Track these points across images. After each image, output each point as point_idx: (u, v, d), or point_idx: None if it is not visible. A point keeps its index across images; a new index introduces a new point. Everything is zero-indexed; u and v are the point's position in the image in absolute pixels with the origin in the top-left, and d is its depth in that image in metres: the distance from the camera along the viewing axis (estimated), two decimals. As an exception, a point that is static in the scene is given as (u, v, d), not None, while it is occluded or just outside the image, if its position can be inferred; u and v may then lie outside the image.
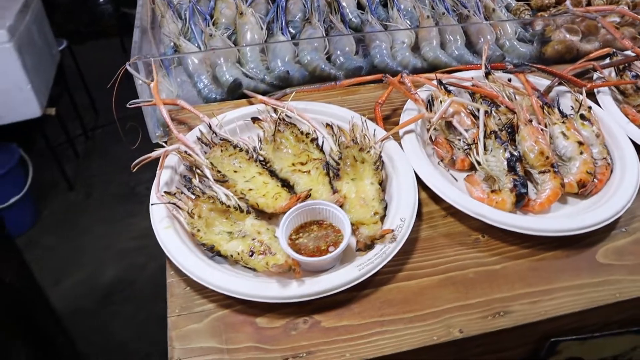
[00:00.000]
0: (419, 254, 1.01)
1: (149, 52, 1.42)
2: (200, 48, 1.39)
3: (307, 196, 1.02)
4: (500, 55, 1.45)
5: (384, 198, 1.05)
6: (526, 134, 1.14)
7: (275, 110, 1.20)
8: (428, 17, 1.49)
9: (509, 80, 1.31)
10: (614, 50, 1.41)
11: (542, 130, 1.17)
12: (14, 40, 2.50)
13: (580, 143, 1.15)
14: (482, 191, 1.08)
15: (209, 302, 0.93)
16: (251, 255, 0.95)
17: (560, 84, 1.32)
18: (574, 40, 1.52)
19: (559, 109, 1.21)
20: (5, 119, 2.64)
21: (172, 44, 1.41)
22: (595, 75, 1.38)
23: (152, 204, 1.02)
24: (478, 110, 1.16)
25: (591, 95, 1.32)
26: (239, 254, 0.96)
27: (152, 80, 1.18)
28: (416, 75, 1.28)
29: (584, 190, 1.10)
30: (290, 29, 1.47)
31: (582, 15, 1.44)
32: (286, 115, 1.17)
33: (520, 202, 1.05)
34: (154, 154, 1.08)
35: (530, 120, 1.16)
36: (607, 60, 1.42)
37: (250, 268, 0.94)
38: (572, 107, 1.26)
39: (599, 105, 1.30)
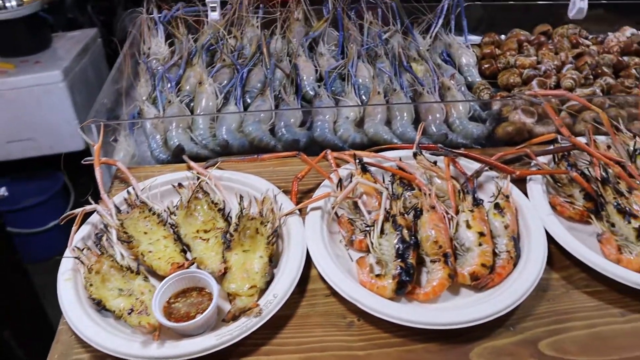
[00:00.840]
0: (289, 331, 1.04)
1: (119, 111, 1.58)
2: (159, 113, 1.52)
3: (191, 264, 1.09)
4: (442, 134, 1.46)
5: (269, 272, 1.09)
6: (426, 221, 1.15)
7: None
8: (379, 93, 1.53)
9: (435, 162, 1.32)
10: (558, 136, 1.38)
11: (449, 217, 1.18)
12: (67, 80, 2.79)
13: (481, 234, 1.14)
14: (368, 275, 1.10)
15: (85, 353, 1.01)
16: (129, 313, 1.03)
17: (492, 168, 1.32)
18: (527, 122, 1.50)
19: (473, 196, 1.21)
20: (54, 150, 2.85)
21: (138, 107, 1.55)
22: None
23: (63, 257, 1.13)
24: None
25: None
26: (120, 310, 1.03)
27: (96, 143, 1.32)
28: (340, 153, 1.33)
29: (477, 282, 1.09)
30: (248, 99, 1.58)
31: (528, 99, 1.43)
32: (206, 183, 1.26)
33: (402, 290, 1.06)
34: (75, 211, 1.20)
35: (434, 207, 1.17)
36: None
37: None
38: (493, 194, 1.25)
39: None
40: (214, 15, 1.80)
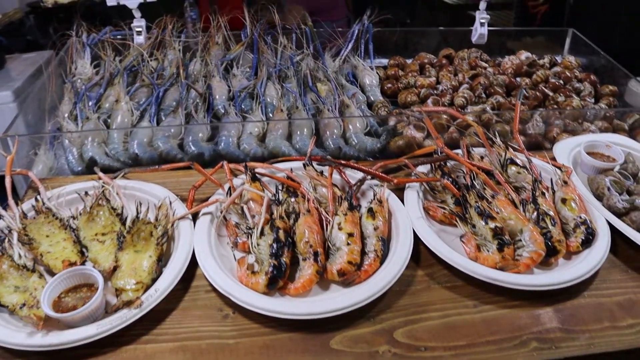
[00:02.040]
0: (169, 323, 1.15)
1: (42, 127, 1.69)
2: (78, 128, 1.63)
3: (83, 263, 1.20)
4: (337, 148, 1.60)
5: (157, 270, 1.20)
6: (301, 223, 1.27)
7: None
8: (282, 110, 1.67)
9: (321, 172, 1.45)
10: (437, 149, 1.52)
11: (327, 222, 1.30)
12: (18, 101, 2.80)
13: (350, 235, 1.26)
14: (245, 272, 1.21)
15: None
16: (21, 307, 1.13)
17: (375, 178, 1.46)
18: (417, 137, 1.65)
19: (349, 202, 1.34)
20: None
21: (58, 123, 1.66)
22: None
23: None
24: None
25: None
26: (13, 305, 1.13)
27: (9, 154, 1.43)
28: (237, 164, 1.45)
29: (344, 278, 1.21)
30: (163, 116, 1.70)
31: (410, 114, 1.58)
32: (109, 191, 1.37)
33: (273, 285, 1.18)
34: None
35: (309, 211, 1.30)
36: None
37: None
38: (370, 200, 1.39)
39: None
40: (139, 39, 1.92)
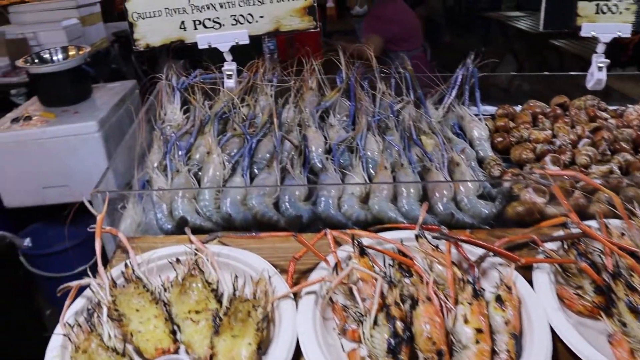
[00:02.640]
0: None
1: (130, 174, 1.61)
2: (168, 181, 1.54)
3: (177, 349, 1.08)
4: (448, 214, 1.43)
5: (256, 360, 1.07)
6: (421, 313, 1.11)
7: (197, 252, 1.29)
8: (386, 167, 1.52)
9: (437, 246, 1.28)
10: (568, 221, 1.32)
11: (447, 309, 1.13)
12: (102, 131, 2.83)
13: (479, 330, 1.08)
14: (355, 371, 1.06)
15: None
16: (109, 398, 1.02)
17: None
18: (538, 202, 1.45)
19: (473, 287, 1.16)
20: (87, 196, 3.01)
21: (147, 175, 1.58)
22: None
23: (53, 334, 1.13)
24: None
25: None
26: (100, 393, 1.03)
27: (100, 213, 1.34)
28: (340, 232, 1.31)
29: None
30: (256, 170, 1.58)
31: (537, 181, 1.39)
32: (202, 260, 1.26)
33: (383, 389, 1.01)
34: (72, 283, 1.21)
35: (430, 298, 1.13)
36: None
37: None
38: (496, 284, 1.20)
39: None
40: (230, 83, 1.83)
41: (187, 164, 1.59)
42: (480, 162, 1.65)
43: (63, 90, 2.96)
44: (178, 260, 1.29)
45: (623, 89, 2.34)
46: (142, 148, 1.67)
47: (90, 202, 1.38)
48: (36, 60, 3.02)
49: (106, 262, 1.45)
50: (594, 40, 1.90)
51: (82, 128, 2.74)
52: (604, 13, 1.89)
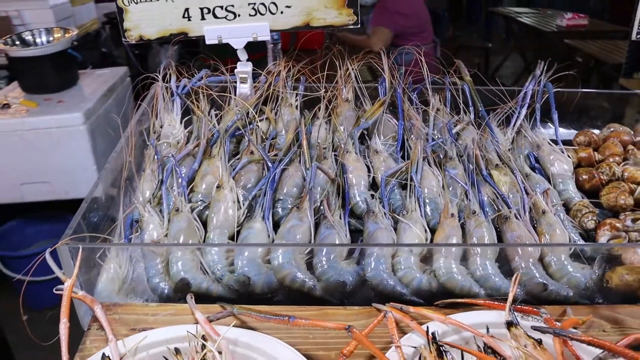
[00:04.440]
0: None
1: (115, 211, 1.23)
2: (163, 221, 1.17)
3: None
4: (539, 284, 1.07)
5: None
6: None
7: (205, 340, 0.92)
8: (453, 215, 1.16)
9: (539, 341, 0.93)
10: None
11: None
12: (88, 123, 2.57)
13: None
14: None
15: None
16: None
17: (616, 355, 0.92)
18: (652, 269, 1.10)
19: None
20: (69, 195, 2.68)
21: (137, 212, 1.20)
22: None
23: None
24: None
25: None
26: None
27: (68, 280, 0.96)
28: (404, 314, 0.95)
29: None
30: (279, 209, 1.21)
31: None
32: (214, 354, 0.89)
33: None
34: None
35: None
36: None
37: None
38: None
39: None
40: (244, 89, 1.45)
41: (190, 199, 1.22)
42: (566, 207, 1.30)
43: (46, 77, 2.67)
44: (177, 352, 0.93)
45: None
46: (130, 170, 1.29)
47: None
48: (17, 42, 2.69)
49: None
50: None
51: (66, 120, 2.50)
52: None
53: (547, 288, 1.08)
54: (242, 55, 1.45)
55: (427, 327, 0.92)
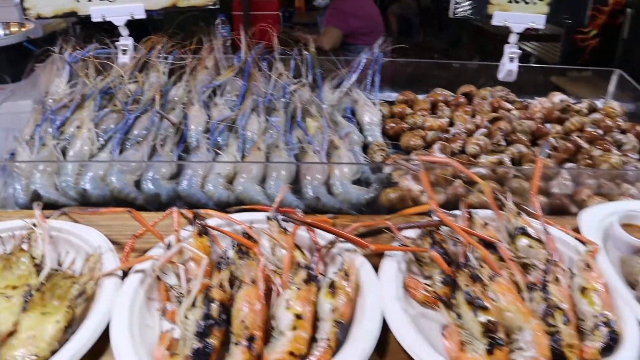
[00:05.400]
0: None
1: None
2: (34, 154, 1.47)
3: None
4: (314, 198, 1.36)
5: (61, 340, 1.00)
6: (241, 296, 1.04)
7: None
8: (259, 148, 1.45)
9: (285, 230, 1.21)
10: (432, 209, 1.25)
11: (276, 293, 1.07)
12: None
13: (299, 317, 1.02)
14: (162, 353, 0.99)
15: None
16: None
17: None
18: (414, 190, 1.39)
19: (308, 272, 1.09)
20: None
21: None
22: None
23: None
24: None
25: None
26: None
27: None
28: (189, 211, 1.24)
29: (282, 371, 0.96)
30: (127, 145, 1.52)
31: (405, 164, 1.32)
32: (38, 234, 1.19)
33: (196, 374, 0.95)
34: None
35: (255, 281, 1.06)
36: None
37: None
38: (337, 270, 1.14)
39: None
40: (124, 59, 1.76)
41: (57, 139, 1.52)
42: (367, 147, 1.59)
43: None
44: (13, 235, 1.23)
45: (572, 90, 2.29)
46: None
47: None
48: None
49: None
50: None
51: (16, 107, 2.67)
52: (517, 2, 1.83)
53: (320, 200, 1.37)
54: (124, 31, 1.76)
55: (195, 215, 1.21)
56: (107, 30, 1.82)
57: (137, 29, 1.79)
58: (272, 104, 1.66)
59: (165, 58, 1.80)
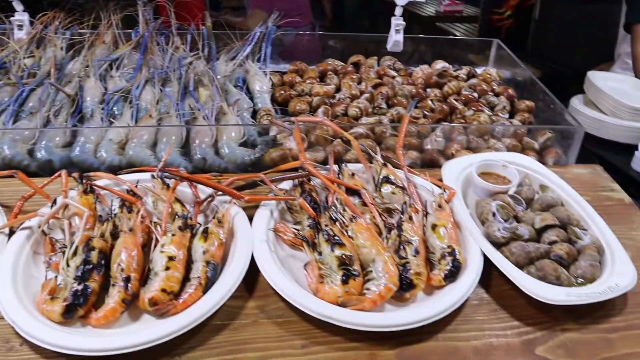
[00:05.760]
0: None
1: None
2: None
3: None
4: (200, 159, 1.46)
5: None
6: (119, 243, 1.14)
7: None
8: (151, 116, 1.54)
9: (168, 186, 1.31)
10: (302, 164, 1.37)
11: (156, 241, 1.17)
12: None
13: (171, 258, 1.12)
14: (43, 298, 1.07)
15: None
16: None
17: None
18: (294, 149, 1.51)
19: (184, 221, 1.20)
20: None
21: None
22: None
23: None
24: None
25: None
26: None
27: None
28: (79, 174, 1.32)
29: (156, 308, 1.07)
30: (22, 115, 1.57)
31: (280, 125, 1.44)
32: None
33: (70, 314, 1.04)
34: None
35: (131, 229, 1.16)
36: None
37: None
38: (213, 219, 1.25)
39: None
40: (20, 34, 1.80)
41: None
42: (256, 113, 1.70)
43: None
44: None
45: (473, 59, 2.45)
46: None
47: None
48: None
49: None
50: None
51: None
52: (400, -23, 1.97)
53: (207, 161, 1.48)
54: (18, 7, 1.80)
55: (81, 176, 1.29)
56: (3, 8, 1.84)
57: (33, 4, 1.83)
58: (167, 76, 1.74)
59: (63, 33, 1.85)
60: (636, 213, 1.56)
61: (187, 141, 1.53)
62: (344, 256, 1.16)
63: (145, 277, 1.13)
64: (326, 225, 1.22)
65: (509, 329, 1.15)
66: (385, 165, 1.43)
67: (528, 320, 1.18)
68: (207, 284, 1.12)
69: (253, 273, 1.17)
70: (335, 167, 1.42)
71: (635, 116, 2.41)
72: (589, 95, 2.64)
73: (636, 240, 1.46)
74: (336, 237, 1.19)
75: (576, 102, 2.66)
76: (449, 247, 1.24)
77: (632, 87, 2.73)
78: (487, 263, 1.24)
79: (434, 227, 1.29)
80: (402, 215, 1.29)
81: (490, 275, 1.26)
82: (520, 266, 1.25)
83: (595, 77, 2.68)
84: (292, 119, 1.48)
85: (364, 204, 1.33)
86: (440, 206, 1.34)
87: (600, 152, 2.42)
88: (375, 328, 1.07)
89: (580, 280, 1.26)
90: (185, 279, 1.14)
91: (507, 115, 1.84)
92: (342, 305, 1.11)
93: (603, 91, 2.53)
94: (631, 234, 1.48)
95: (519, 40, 4.65)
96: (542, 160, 1.70)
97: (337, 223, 1.23)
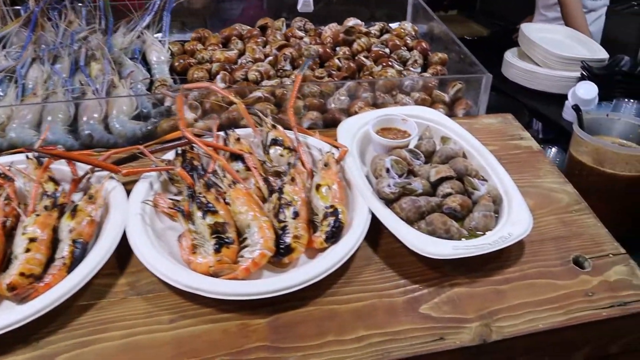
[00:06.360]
0: None
1: None
2: None
3: None
4: (87, 135, 1.41)
5: None
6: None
7: None
8: (35, 94, 1.49)
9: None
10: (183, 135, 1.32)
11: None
12: None
13: (32, 240, 1.08)
14: None
15: None
16: None
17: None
18: (188, 118, 1.45)
19: (53, 200, 1.15)
20: None
21: None
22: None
23: None
24: None
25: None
26: None
27: None
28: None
29: (15, 293, 1.02)
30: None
31: (165, 93, 1.38)
32: None
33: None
34: None
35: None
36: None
37: None
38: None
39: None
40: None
41: None
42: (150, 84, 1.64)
43: None
44: None
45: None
46: None
47: None
48: None
49: None
50: None
51: None
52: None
53: (93, 137, 1.42)
54: None
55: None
56: None
57: None
58: (58, 52, 1.67)
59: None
60: (543, 160, 1.54)
61: (75, 119, 1.47)
62: (216, 224, 1.12)
63: (6, 262, 1.09)
64: (199, 193, 1.17)
65: (394, 288, 1.12)
66: (274, 127, 1.38)
67: (416, 278, 1.15)
68: (73, 264, 1.08)
69: (127, 248, 1.13)
70: (223, 134, 1.37)
71: (566, 65, 2.38)
72: (522, 48, 2.60)
73: (541, 188, 1.44)
74: (209, 205, 1.15)
75: (509, 55, 2.63)
76: (331, 206, 1.21)
77: (564, 37, 2.69)
78: (378, 222, 1.21)
79: (317, 187, 1.25)
80: (284, 177, 1.25)
81: (381, 233, 1.23)
82: (411, 222, 1.22)
83: (529, 29, 2.65)
84: (179, 86, 1.42)
85: (249, 169, 1.29)
86: (326, 165, 1.30)
87: (534, 104, 2.40)
88: (245, 296, 1.03)
89: (478, 232, 1.23)
90: (52, 260, 1.10)
91: (419, 69, 1.79)
92: (215, 275, 1.08)
93: (534, 42, 2.50)
94: (536, 181, 1.46)
95: (468, 4, 4.64)
96: (453, 112, 1.65)
97: (213, 190, 1.19)
